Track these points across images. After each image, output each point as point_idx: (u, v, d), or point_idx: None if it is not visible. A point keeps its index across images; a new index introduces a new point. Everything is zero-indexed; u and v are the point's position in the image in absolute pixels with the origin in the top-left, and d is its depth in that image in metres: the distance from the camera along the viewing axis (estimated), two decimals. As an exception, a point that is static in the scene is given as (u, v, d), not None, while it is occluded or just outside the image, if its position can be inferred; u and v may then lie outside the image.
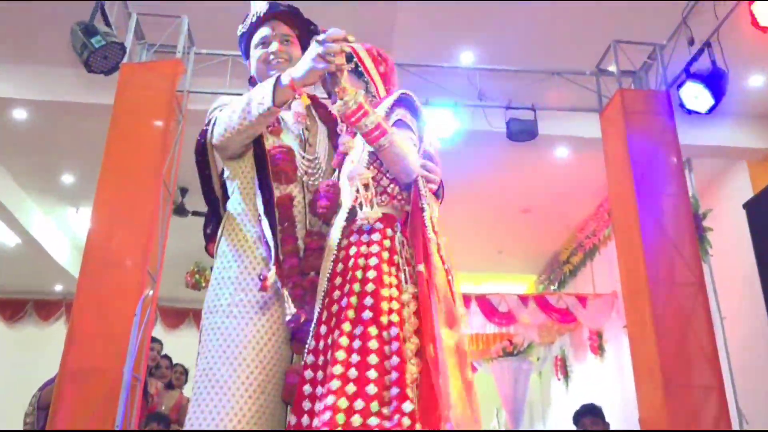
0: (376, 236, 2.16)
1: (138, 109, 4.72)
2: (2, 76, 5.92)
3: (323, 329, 2.06)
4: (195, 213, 8.47)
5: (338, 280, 2.11)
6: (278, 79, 2.08)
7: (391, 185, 2.25)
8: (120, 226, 4.41)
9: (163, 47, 5.21)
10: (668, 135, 4.96)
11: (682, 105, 4.92)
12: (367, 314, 1.98)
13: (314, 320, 2.10)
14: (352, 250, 2.14)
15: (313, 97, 2.51)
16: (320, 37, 2.01)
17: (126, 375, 4.08)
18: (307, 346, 2.08)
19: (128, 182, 4.53)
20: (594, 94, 5.57)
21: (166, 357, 6.35)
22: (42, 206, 8.98)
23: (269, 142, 2.30)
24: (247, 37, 2.47)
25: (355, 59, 2.38)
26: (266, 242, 2.19)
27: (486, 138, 5.90)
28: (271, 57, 2.39)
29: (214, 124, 2.23)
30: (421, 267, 2.11)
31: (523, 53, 5.62)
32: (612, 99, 5.28)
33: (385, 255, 2.13)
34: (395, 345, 1.93)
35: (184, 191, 8.47)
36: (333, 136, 2.46)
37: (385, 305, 2.00)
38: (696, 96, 4.81)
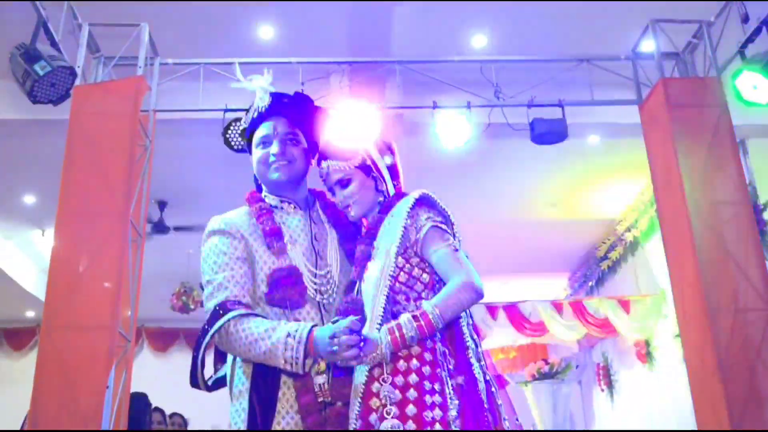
0: (415, 350, 2.23)
1: (96, 139, 4.49)
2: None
3: None
4: (177, 229, 8.29)
5: (374, 402, 2.18)
6: (308, 340, 2.17)
7: (426, 291, 2.34)
8: (84, 283, 4.20)
9: (124, 59, 4.95)
10: (722, 132, 4.68)
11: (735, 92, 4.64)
12: None
13: None
14: (388, 368, 2.21)
15: (319, 194, 2.63)
16: (335, 341, 2.12)
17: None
18: None
19: (90, 230, 4.31)
20: (630, 83, 5.29)
21: (157, 410, 6.19)
22: (2, 230, 8.83)
23: (267, 265, 2.38)
24: (249, 132, 2.56)
25: (361, 154, 2.50)
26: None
27: (506, 133, 5.63)
28: (272, 159, 2.47)
29: (219, 328, 2.26)
30: (461, 379, 2.26)
31: (545, 38, 5.34)
32: (653, 90, 4.99)
33: (426, 370, 2.21)
34: None
35: (162, 205, 8.27)
36: (344, 241, 2.54)
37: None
38: (755, 85, 4.53)
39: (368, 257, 2.41)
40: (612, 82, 5.32)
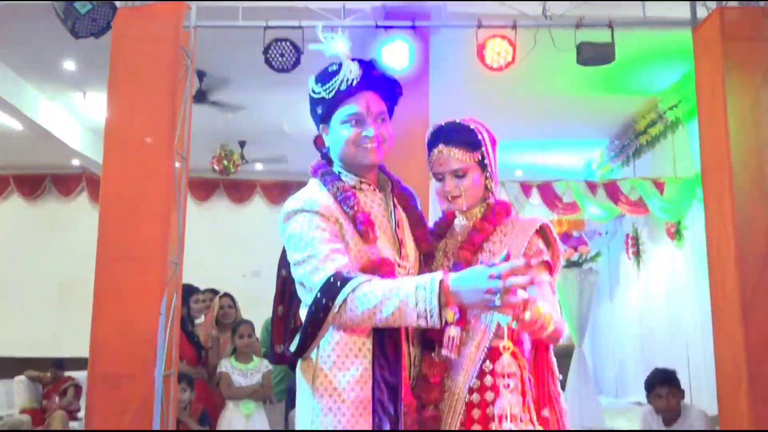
0: (512, 381, 2.24)
1: (139, 65, 4.49)
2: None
3: None
4: (215, 103, 8.32)
5: (476, 427, 2.24)
6: (441, 289, 2.08)
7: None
8: (135, 217, 4.38)
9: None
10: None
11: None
12: None
13: None
14: (489, 396, 2.26)
15: (392, 176, 2.51)
16: (496, 271, 2.01)
17: (157, 380, 4.26)
18: None
19: (137, 161, 4.43)
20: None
21: (209, 290, 6.42)
22: (46, 93, 8.95)
23: (361, 253, 2.29)
24: (329, 104, 2.35)
25: (482, 149, 2.44)
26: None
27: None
28: (365, 141, 2.33)
29: (344, 300, 2.14)
30: (546, 412, 2.33)
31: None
32: (709, 17, 4.78)
33: (518, 400, 2.24)
34: None
35: (201, 75, 8.25)
36: (413, 227, 2.49)
37: None
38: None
39: (468, 266, 2.27)
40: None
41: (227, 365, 5.65)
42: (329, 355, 2.27)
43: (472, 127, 2.47)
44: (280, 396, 6.13)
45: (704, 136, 4.85)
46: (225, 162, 9.45)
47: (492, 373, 2.28)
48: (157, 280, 4.36)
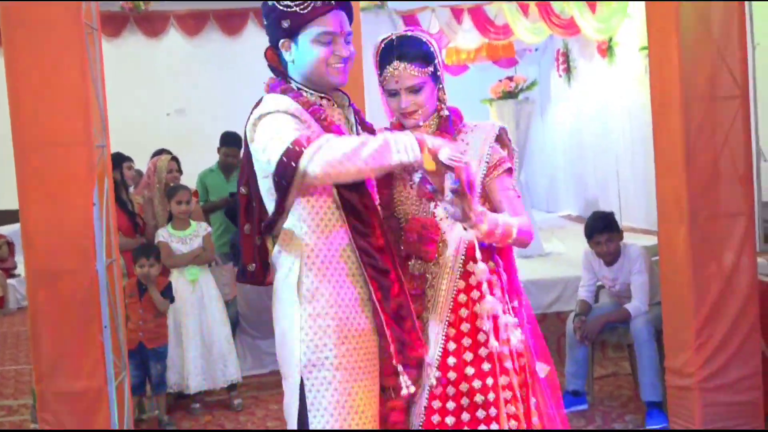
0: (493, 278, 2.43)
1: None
2: None
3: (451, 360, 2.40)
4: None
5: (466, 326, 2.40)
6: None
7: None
8: (50, 99, 3.99)
9: None
10: None
11: None
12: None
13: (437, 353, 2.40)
14: (474, 294, 2.42)
15: (346, 95, 2.53)
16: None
17: (100, 272, 4.08)
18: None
19: (43, 40, 3.97)
20: None
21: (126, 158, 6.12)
22: None
23: None
24: (300, 19, 2.30)
25: (436, 61, 2.45)
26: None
27: None
28: (337, 61, 2.35)
29: (318, 146, 2.12)
30: (516, 302, 2.53)
31: None
32: None
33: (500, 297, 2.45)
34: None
35: None
36: None
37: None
38: None
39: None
40: None
41: (164, 234, 5.49)
42: (306, 263, 2.32)
43: (424, 39, 2.47)
44: (225, 259, 6.04)
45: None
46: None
47: (474, 273, 2.40)
48: (84, 167, 4.05)
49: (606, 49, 8.81)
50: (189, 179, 6.39)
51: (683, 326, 4.36)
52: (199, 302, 5.49)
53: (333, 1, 2.29)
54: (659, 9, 4.46)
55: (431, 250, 2.42)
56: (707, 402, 4.28)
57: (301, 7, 2.27)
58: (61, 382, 4.04)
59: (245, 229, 2.52)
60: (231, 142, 6.58)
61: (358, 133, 2.48)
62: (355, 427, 2.30)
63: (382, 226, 2.35)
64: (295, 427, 2.38)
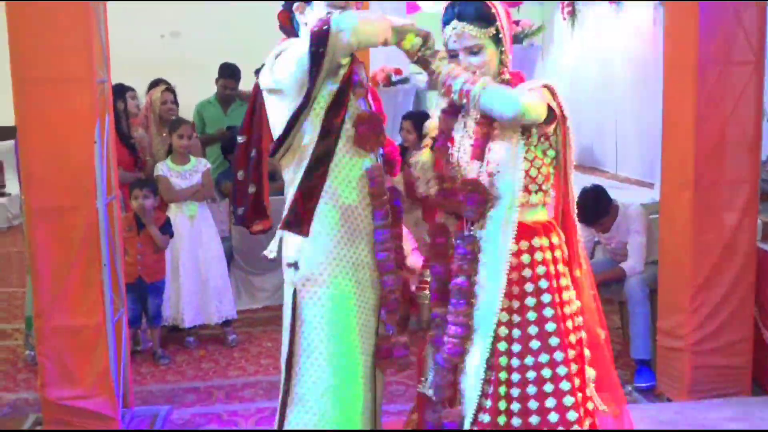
0: (545, 241, 2.53)
1: None
2: None
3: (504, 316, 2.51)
4: None
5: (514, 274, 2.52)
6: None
7: (546, 183, 2.55)
8: (51, 32, 3.86)
9: None
10: None
11: None
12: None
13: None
14: (525, 258, 2.51)
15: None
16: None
17: (101, 210, 4.03)
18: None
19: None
20: None
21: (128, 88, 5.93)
22: None
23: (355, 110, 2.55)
24: None
25: (497, 23, 2.43)
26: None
27: None
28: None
29: (338, 17, 2.30)
30: (578, 272, 2.66)
31: None
32: None
33: (561, 267, 2.56)
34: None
35: None
36: None
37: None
38: None
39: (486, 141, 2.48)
40: None
41: (164, 168, 5.41)
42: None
43: (486, 0, 2.44)
44: (221, 196, 5.99)
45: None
46: None
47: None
48: (86, 104, 3.94)
49: (571, 13, 8.57)
50: (186, 111, 6.28)
51: (679, 289, 4.39)
52: (196, 238, 5.47)
53: None
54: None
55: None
56: (697, 364, 4.34)
57: None
58: (60, 317, 4.03)
59: (239, 175, 2.65)
60: (229, 74, 6.45)
61: (368, 97, 2.63)
62: (344, 347, 2.52)
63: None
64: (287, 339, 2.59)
